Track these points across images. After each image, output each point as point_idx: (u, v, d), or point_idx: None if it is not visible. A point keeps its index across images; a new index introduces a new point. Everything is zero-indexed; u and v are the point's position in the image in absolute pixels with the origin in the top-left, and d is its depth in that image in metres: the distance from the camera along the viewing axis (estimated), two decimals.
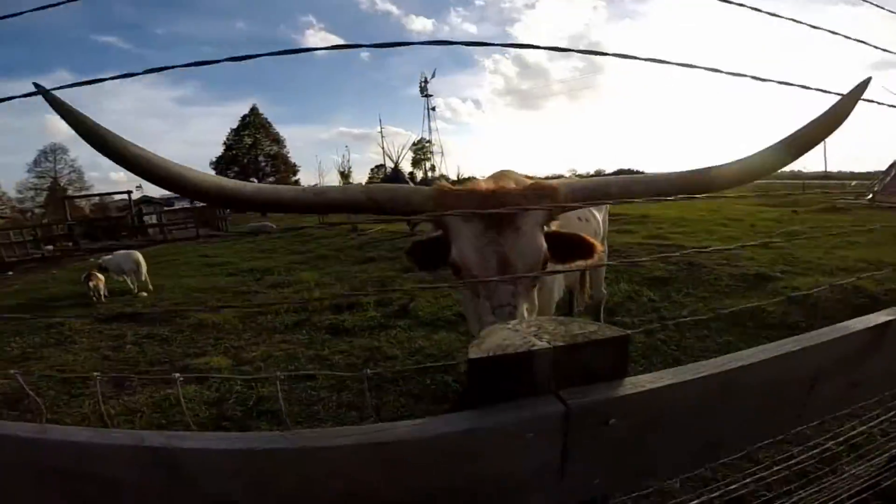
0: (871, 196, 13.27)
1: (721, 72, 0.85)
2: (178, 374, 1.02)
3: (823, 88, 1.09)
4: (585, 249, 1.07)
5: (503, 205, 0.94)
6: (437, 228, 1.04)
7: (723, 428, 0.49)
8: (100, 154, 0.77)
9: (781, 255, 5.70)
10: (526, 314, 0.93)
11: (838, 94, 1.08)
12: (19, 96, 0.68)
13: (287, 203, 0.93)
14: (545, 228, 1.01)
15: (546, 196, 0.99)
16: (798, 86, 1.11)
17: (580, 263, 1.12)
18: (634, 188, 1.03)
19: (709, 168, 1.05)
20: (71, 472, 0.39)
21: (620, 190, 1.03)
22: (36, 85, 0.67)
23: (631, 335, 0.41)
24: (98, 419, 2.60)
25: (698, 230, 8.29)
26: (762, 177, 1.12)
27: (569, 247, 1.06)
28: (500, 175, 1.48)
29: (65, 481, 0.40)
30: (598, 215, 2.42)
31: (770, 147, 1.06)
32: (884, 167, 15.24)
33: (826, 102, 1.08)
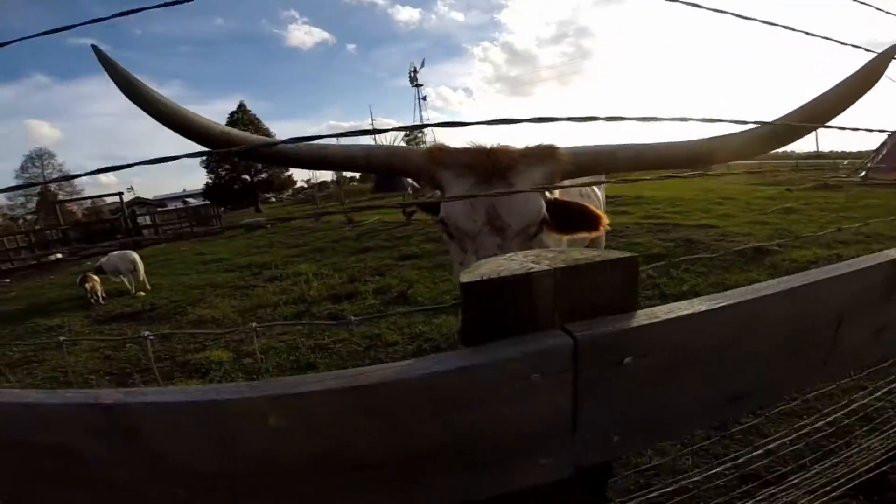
0: (863, 174, 13.23)
1: (726, 12, 0.79)
2: (147, 332, 1.01)
3: (835, 38, 1.01)
4: (591, 221, 1.00)
5: (498, 161, 0.89)
6: (434, 189, 1.00)
7: (746, 370, 0.44)
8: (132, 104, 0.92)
9: (777, 230, 5.76)
10: None
11: (854, 47, 0.98)
12: (58, 30, 0.66)
13: (289, 155, 0.99)
14: (546, 194, 0.96)
15: (546, 156, 0.93)
16: (803, 31, 1.03)
17: (584, 236, 1.06)
18: (645, 155, 0.95)
19: (719, 137, 0.97)
20: (26, 443, 0.36)
21: (629, 157, 0.95)
22: (93, 47, 0.86)
23: (639, 257, 0.37)
24: None
25: (693, 209, 8.26)
26: (776, 148, 1.02)
27: (572, 217, 1.00)
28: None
29: (19, 453, 0.36)
30: (598, 191, 2.36)
31: (786, 115, 0.96)
32: (875, 146, 15.13)
33: (826, 71, 0.99)
